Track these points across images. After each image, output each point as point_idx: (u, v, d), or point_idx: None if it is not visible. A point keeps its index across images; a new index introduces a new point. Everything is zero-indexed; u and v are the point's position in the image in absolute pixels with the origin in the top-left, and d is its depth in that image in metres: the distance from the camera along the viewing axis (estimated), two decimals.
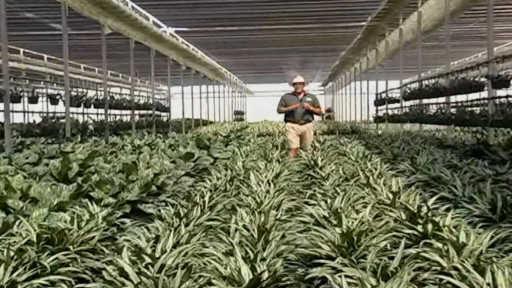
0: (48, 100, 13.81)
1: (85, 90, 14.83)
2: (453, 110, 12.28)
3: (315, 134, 13.58)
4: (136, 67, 20.14)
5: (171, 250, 3.32)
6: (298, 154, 8.93)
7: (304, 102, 9.41)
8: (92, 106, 14.53)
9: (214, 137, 13.86)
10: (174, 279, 2.87)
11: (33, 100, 13.06)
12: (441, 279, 2.79)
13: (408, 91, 15.03)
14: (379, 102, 20.05)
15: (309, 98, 9.53)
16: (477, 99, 11.39)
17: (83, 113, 16.50)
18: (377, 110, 20.63)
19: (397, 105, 17.69)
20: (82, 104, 14.08)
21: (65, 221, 3.99)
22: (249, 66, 32.08)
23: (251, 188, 5.62)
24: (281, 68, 33.02)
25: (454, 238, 3.31)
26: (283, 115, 9.68)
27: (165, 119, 21.77)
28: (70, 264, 3.39)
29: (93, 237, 3.79)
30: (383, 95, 19.23)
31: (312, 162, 7.57)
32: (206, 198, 4.90)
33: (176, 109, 25.17)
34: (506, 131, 13.42)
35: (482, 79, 10.39)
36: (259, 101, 47.36)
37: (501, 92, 10.72)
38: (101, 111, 15.50)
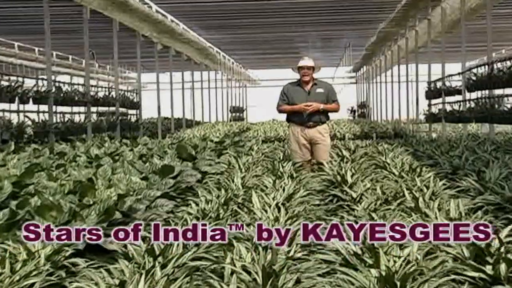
0: None
1: (20, 79, 14.88)
2: None
3: (333, 139, 13.28)
4: (92, 46, 20.22)
5: None
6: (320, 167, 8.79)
7: (313, 96, 9.21)
8: (31, 101, 14.56)
9: (202, 143, 13.88)
10: None
11: None
12: None
13: (474, 78, 15.04)
14: (432, 93, 20.05)
15: (320, 89, 9.26)
16: None
17: (17, 111, 16.55)
18: (429, 105, 20.64)
19: (458, 97, 17.70)
20: (17, 99, 14.11)
21: None
22: (251, 45, 32.10)
23: (254, 215, 5.65)
24: (295, 48, 33.05)
25: None
26: (285, 114, 9.52)
27: (133, 118, 21.81)
28: None
29: (33, 284, 3.80)
30: (439, 84, 19.25)
31: (339, 177, 7.58)
32: None
33: (150, 105, 25.23)
34: None
35: None
36: (265, 94, 47.27)
37: None
38: (44, 107, 15.54)
